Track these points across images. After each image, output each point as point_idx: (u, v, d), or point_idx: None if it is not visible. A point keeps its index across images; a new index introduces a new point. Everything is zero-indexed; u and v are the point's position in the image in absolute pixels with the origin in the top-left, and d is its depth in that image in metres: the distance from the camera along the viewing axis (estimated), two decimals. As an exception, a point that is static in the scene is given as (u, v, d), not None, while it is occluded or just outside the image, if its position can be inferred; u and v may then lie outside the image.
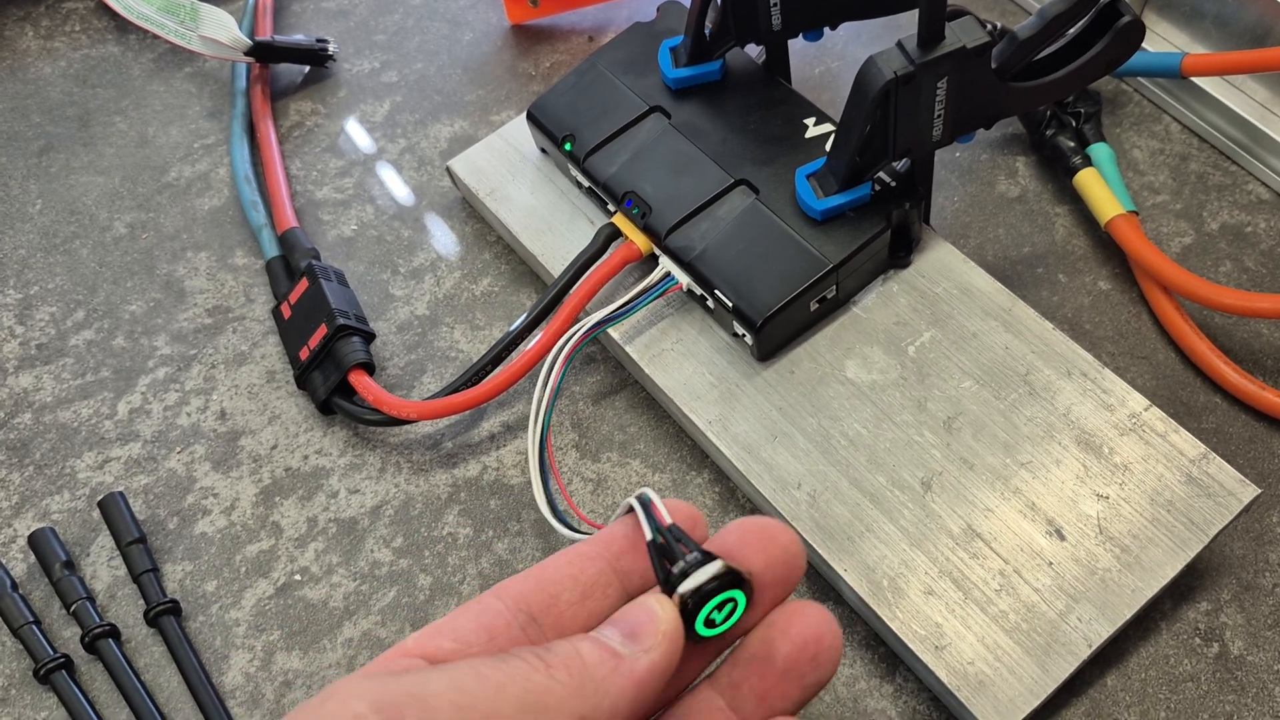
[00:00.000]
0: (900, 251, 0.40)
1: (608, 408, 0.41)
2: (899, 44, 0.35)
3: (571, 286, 0.40)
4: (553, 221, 0.44)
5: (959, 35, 0.35)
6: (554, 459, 0.39)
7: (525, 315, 0.40)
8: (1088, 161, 0.46)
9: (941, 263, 0.40)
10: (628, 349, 0.40)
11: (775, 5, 0.40)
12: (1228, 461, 0.38)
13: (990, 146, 0.49)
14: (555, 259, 0.43)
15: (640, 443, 0.40)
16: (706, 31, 0.41)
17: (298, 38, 0.52)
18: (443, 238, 0.47)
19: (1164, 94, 0.50)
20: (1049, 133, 0.48)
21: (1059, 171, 0.48)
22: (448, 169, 0.46)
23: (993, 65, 0.36)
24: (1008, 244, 0.46)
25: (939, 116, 0.36)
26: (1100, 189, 0.45)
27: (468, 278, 0.45)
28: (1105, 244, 0.46)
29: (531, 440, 0.37)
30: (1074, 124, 0.48)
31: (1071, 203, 0.47)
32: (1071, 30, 0.37)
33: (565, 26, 0.54)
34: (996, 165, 0.49)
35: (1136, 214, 0.45)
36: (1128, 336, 0.43)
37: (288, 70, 0.53)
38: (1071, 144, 0.47)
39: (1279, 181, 0.47)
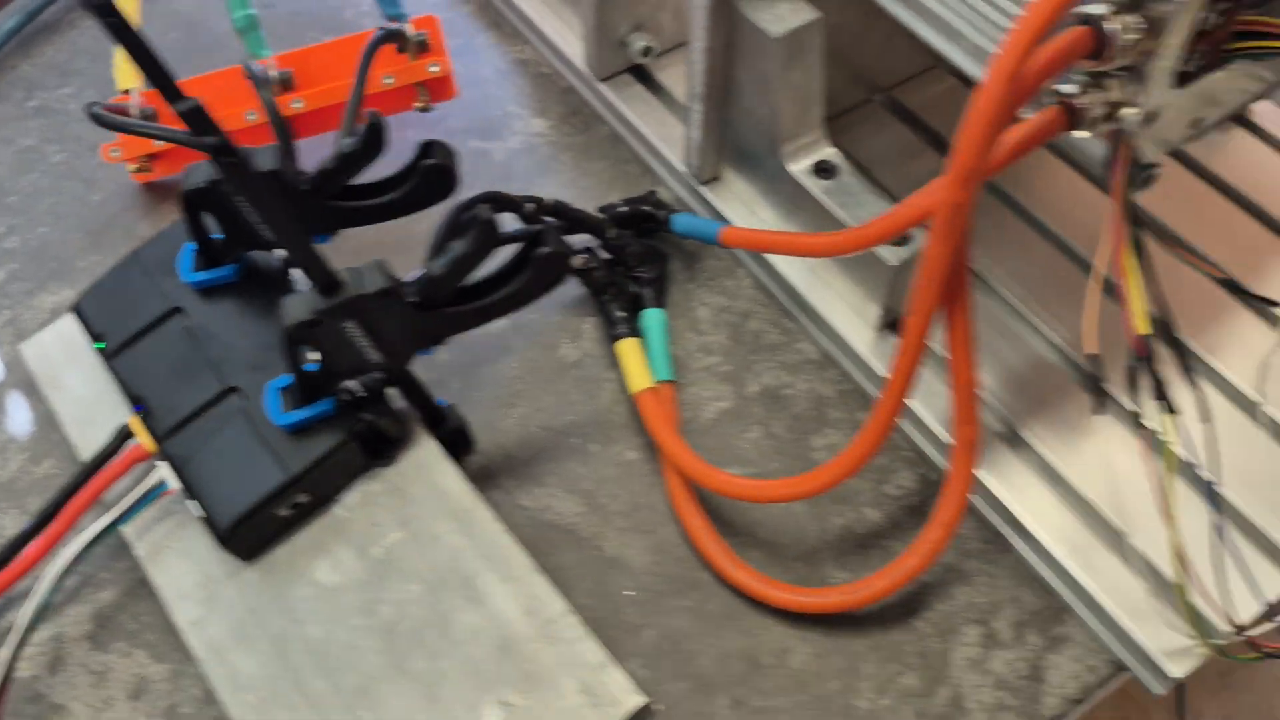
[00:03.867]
0: (383, 453, 0.43)
1: (134, 595, 0.44)
2: (310, 290, 0.37)
3: (79, 488, 0.43)
4: (97, 414, 0.46)
5: (361, 282, 0.37)
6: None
7: (30, 519, 0.43)
8: (633, 329, 0.49)
9: (421, 461, 0.43)
10: (135, 547, 0.43)
11: (261, 224, 0.42)
12: (684, 643, 0.40)
13: (562, 308, 0.51)
14: (92, 452, 0.45)
15: (151, 632, 0.43)
16: (216, 238, 0.44)
17: (-80, 208, 0.54)
18: (20, 417, 0.49)
19: (741, 250, 0.52)
20: (605, 299, 0.50)
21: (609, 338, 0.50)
22: (18, 352, 0.49)
23: (416, 298, 0.38)
24: (553, 412, 0.48)
25: (371, 346, 0.39)
26: (634, 360, 0.48)
27: (32, 460, 0.48)
28: (639, 413, 0.48)
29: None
30: (632, 289, 0.50)
31: (620, 369, 0.49)
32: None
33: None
34: (564, 327, 0.51)
35: (673, 383, 0.48)
36: (640, 510, 0.46)
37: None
38: (621, 313, 0.49)
39: (826, 343, 0.49)
